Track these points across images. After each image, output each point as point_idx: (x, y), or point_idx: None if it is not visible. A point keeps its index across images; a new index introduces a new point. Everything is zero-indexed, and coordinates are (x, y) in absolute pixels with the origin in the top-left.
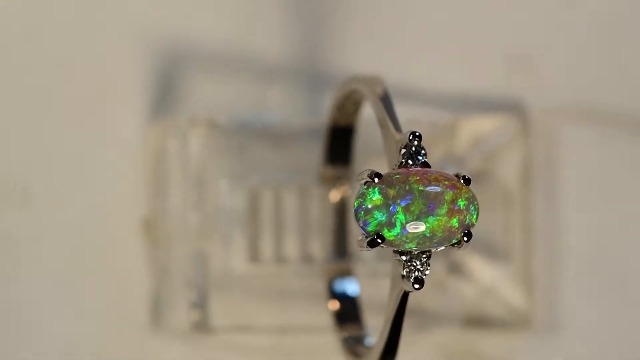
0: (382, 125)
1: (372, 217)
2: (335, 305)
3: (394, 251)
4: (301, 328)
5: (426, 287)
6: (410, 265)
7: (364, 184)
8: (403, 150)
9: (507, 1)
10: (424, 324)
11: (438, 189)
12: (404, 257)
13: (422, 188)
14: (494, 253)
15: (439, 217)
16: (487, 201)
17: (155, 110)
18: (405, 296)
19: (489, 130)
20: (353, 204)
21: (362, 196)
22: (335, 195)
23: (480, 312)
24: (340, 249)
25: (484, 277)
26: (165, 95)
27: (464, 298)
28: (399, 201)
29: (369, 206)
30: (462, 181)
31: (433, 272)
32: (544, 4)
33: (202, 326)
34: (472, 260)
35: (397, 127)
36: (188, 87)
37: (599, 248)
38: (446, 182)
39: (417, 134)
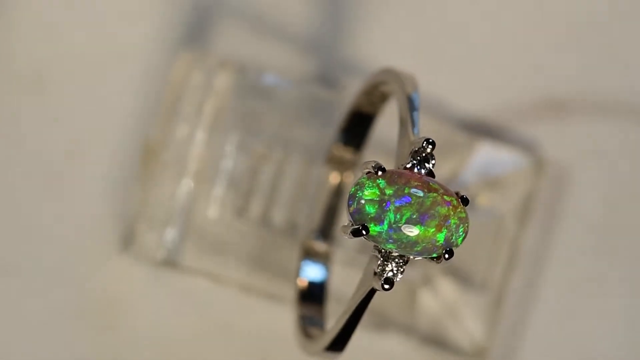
0: (401, 123)
1: (364, 208)
2: (303, 282)
3: (374, 247)
4: (264, 293)
5: (395, 291)
6: (385, 265)
7: (366, 174)
8: (414, 153)
9: (551, 47)
10: (381, 326)
11: (435, 200)
12: (381, 256)
13: (420, 195)
14: (470, 280)
15: (427, 228)
16: (479, 228)
17: (183, 44)
18: (371, 293)
19: (501, 159)
20: (349, 189)
21: (360, 185)
22: (335, 178)
23: (440, 332)
24: (325, 230)
25: (453, 300)
26: (197, 33)
27: (428, 313)
28: (394, 200)
29: (364, 197)
30: (459, 200)
31: (406, 279)
32: (586, 49)
33: (170, 262)
34: (447, 280)
35: (415, 130)
36: (220, 35)
37: (567, 308)
38: (445, 197)
39: (432, 141)
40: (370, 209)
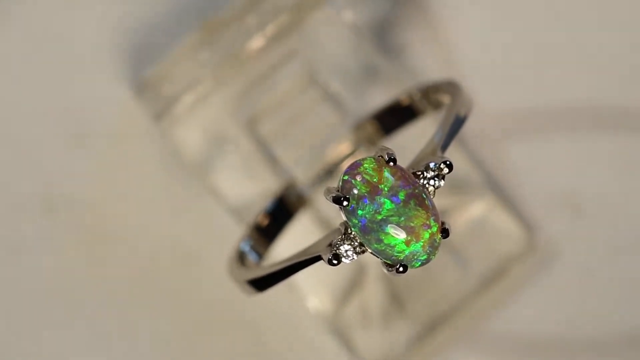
0: (437, 133)
1: (357, 183)
2: (265, 218)
3: (344, 222)
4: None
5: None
6: (343, 243)
7: (376, 157)
8: (428, 167)
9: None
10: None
11: (421, 218)
12: (344, 233)
13: (411, 204)
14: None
15: (397, 238)
16: (444, 266)
17: None
18: (316, 259)
19: (500, 224)
20: (356, 159)
21: (368, 163)
22: (348, 148)
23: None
24: (313, 184)
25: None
26: None
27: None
28: (386, 193)
29: (363, 174)
30: (441, 230)
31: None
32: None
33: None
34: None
35: (445, 147)
36: None
37: None
38: (431, 220)
39: (450, 164)
40: (362, 188)
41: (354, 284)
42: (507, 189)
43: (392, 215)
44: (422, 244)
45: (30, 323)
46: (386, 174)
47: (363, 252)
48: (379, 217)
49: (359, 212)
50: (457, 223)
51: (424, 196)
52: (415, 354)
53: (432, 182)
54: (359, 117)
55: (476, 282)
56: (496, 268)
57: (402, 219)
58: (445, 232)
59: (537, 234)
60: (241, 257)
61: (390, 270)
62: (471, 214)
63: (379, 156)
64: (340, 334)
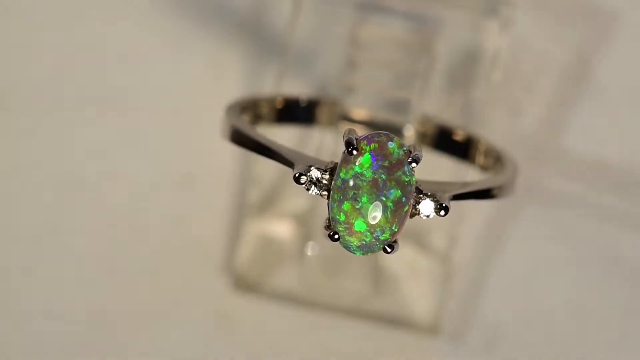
0: (465, 182)
1: (372, 148)
2: (283, 102)
3: (334, 163)
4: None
5: None
6: (318, 171)
7: (406, 150)
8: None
9: None
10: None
11: (384, 224)
12: (326, 168)
13: (391, 209)
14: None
15: (367, 215)
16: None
17: None
18: (288, 164)
19: None
20: (377, 130)
21: (388, 137)
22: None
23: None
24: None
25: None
26: None
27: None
28: (385, 188)
29: (384, 150)
30: (387, 245)
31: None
32: None
33: None
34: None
35: (457, 197)
36: None
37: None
38: (387, 232)
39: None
40: (366, 160)
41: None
42: None
43: (373, 206)
44: (367, 239)
45: None
46: (402, 171)
47: (324, 195)
48: (362, 188)
49: (356, 167)
50: None
51: (405, 210)
52: None
53: (423, 216)
54: (435, 116)
55: None
56: None
57: (387, 204)
58: (389, 248)
59: None
60: (245, 110)
61: (326, 232)
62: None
63: (408, 151)
64: None
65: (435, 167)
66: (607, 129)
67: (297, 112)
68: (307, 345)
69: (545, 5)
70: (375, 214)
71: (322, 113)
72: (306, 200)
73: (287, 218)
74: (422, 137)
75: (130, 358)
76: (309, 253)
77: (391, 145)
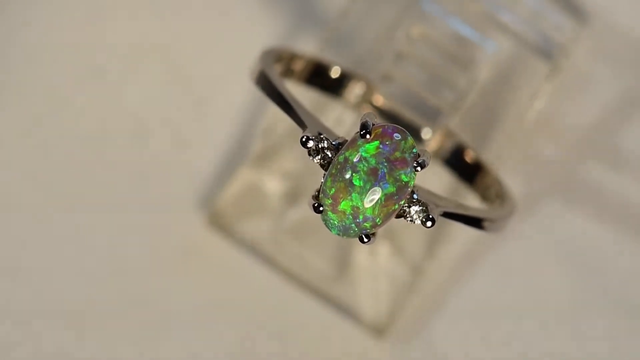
0: (460, 203)
1: (371, 141)
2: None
3: (343, 141)
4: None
5: None
6: (325, 142)
7: (416, 152)
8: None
9: None
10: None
11: (371, 213)
12: (335, 142)
13: (381, 201)
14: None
15: (351, 204)
16: None
17: None
18: (301, 125)
19: None
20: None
21: (407, 142)
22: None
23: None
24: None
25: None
26: None
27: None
28: (382, 180)
29: (396, 146)
30: (364, 235)
31: None
32: None
33: None
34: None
35: (446, 215)
36: None
37: None
38: (369, 223)
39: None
40: (371, 149)
41: None
42: None
43: (367, 195)
44: (348, 221)
45: None
46: (404, 171)
47: (323, 166)
48: (360, 167)
49: (362, 150)
50: None
51: (393, 208)
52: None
53: (408, 219)
54: (456, 133)
55: None
56: None
57: (385, 193)
58: (365, 238)
59: None
60: (279, 60)
61: (312, 202)
62: None
63: (417, 154)
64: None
65: (439, 180)
66: None
67: (327, 80)
68: (256, 302)
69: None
70: (373, 197)
71: (350, 90)
72: (304, 164)
73: (280, 175)
74: (437, 149)
75: (97, 272)
76: (290, 215)
77: (403, 143)
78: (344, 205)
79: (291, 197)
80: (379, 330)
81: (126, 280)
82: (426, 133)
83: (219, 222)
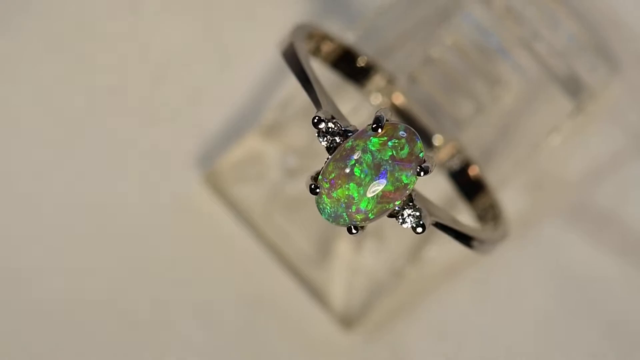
0: (454, 218)
1: (397, 144)
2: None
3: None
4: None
5: None
6: (336, 125)
7: (422, 158)
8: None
9: None
10: None
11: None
12: (346, 129)
13: (376, 197)
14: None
15: (346, 193)
16: None
17: None
18: (316, 104)
19: None
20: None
21: (418, 146)
22: (439, 139)
23: None
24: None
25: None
26: None
27: None
28: (383, 177)
29: (406, 146)
30: (354, 226)
31: None
32: None
33: None
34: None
35: (438, 225)
36: None
37: None
38: (360, 215)
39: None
40: (393, 151)
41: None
42: None
43: (374, 174)
44: (340, 209)
45: None
46: (406, 173)
47: (329, 149)
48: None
49: (370, 143)
50: None
51: (388, 207)
52: None
53: (400, 221)
54: (466, 147)
55: None
56: None
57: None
58: (354, 229)
59: None
60: (311, 37)
61: (309, 182)
62: None
63: (423, 159)
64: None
65: (440, 190)
66: None
67: (352, 68)
68: (232, 267)
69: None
70: (376, 189)
71: (373, 83)
72: (311, 143)
73: (285, 149)
74: (445, 159)
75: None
76: (285, 190)
77: (412, 145)
78: (340, 192)
79: (291, 173)
80: (346, 322)
81: (112, 218)
82: (438, 141)
83: (214, 182)
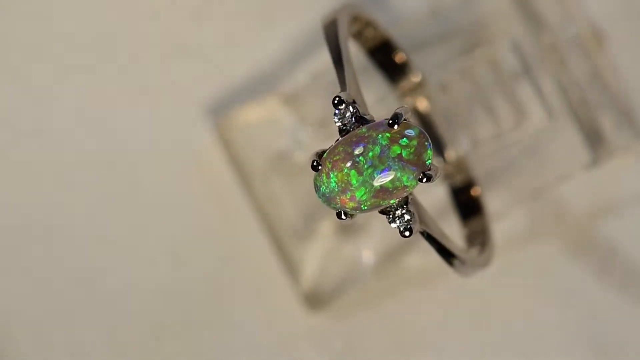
0: (444, 234)
1: (406, 150)
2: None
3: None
4: None
5: None
6: (357, 113)
7: (428, 167)
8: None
9: None
10: None
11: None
12: (365, 119)
13: (373, 192)
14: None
15: (341, 179)
16: None
17: None
18: (342, 84)
19: None
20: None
21: (428, 152)
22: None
23: None
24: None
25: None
26: None
27: None
28: (384, 172)
29: (417, 152)
30: (343, 212)
31: None
32: None
33: None
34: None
35: (424, 234)
36: None
37: None
38: (352, 203)
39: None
40: (404, 152)
41: None
42: None
43: (377, 167)
44: (334, 193)
45: None
46: (408, 175)
47: (341, 131)
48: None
49: (382, 137)
50: None
51: (382, 202)
52: None
53: (390, 219)
54: (473, 167)
55: None
56: None
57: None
58: (344, 215)
59: None
60: (355, 20)
61: (313, 157)
62: None
63: (429, 167)
64: None
65: (437, 201)
66: None
67: (388, 60)
68: (213, 217)
69: None
70: (385, 179)
71: (403, 80)
72: (326, 121)
73: (302, 119)
74: (451, 174)
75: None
76: (291, 157)
77: (421, 150)
78: (339, 175)
79: (299, 145)
80: (310, 303)
81: (118, 164)
82: (448, 154)
83: (224, 131)
